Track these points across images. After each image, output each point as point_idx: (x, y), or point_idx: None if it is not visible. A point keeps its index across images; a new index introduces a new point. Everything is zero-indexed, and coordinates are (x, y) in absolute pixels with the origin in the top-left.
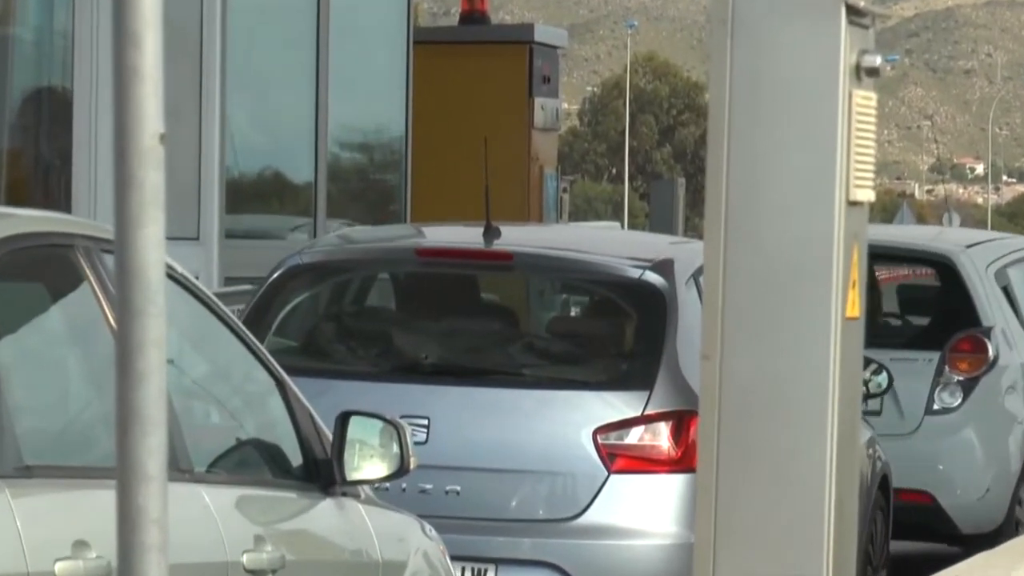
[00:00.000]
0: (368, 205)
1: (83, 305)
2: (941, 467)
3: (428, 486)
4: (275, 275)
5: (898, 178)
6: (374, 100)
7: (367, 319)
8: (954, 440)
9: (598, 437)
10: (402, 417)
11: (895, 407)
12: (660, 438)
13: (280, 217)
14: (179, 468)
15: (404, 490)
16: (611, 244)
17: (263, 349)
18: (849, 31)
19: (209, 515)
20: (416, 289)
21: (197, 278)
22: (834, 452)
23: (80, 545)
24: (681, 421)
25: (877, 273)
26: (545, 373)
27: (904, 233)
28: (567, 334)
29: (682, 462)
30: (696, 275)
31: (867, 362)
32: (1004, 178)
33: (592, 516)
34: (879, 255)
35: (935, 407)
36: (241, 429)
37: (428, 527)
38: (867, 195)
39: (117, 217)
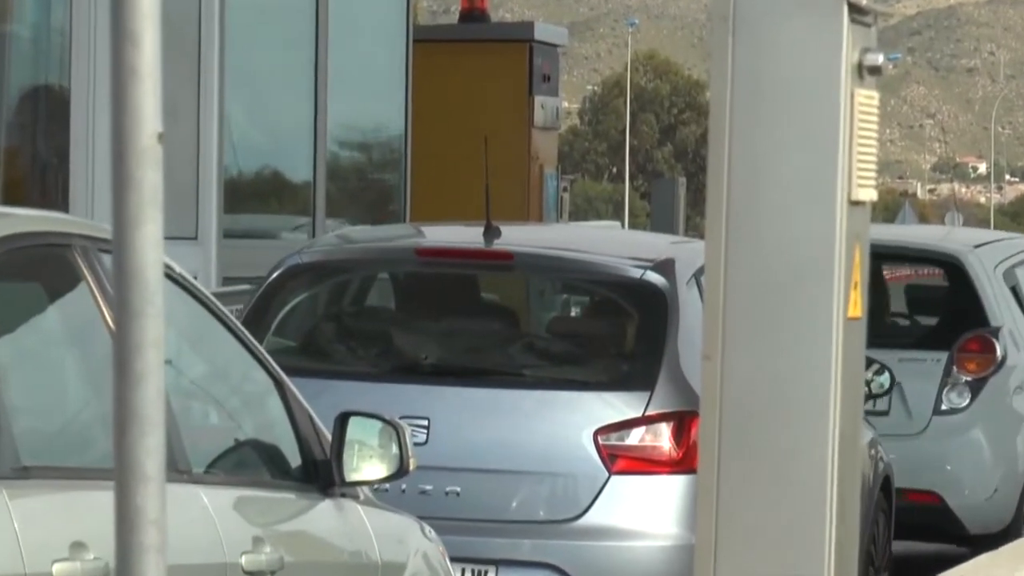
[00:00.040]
0: (367, 205)
1: (81, 305)
2: (949, 467)
3: (428, 487)
4: (274, 275)
5: (900, 177)
6: (373, 99)
7: (367, 319)
8: (962, 440)
9: (599, 438)
10: (402, 418)
11: (903, 407)
12: (661, 439)
13: (279, 217)
14: (177, 469)
15: (404, 491)
16: (612, 244)
17: (261, 349)
18: (851, 29)
19: (207, 516)
20: (416, 289)
21: (195, 278)
22: (836, 453)
23: (78, 546)
24: (682, 422)
25: (884, 272)
26: (546, 373)
27: (912, 233)
28: (568, 334)
29: (683, 463)
30: (697, 275)
31: (869, 362)
32: (1007, 177)
33: (593, 517)
34: (887, 255)
35: (943, 407)
36: (239, 430)
37: (428, 528)
38: (869, 195)
39: (115, 216)
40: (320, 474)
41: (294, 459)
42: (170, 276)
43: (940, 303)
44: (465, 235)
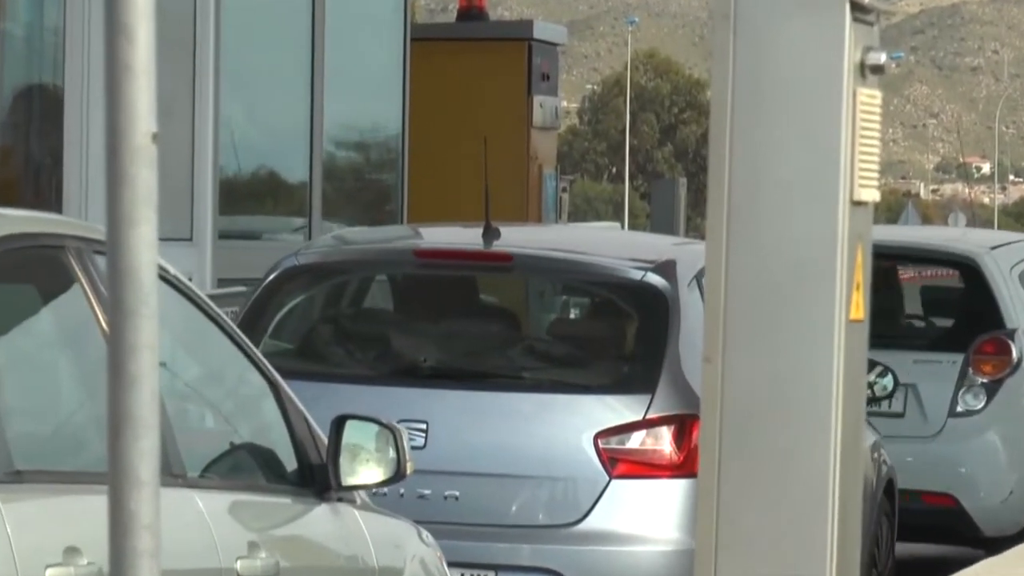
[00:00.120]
0: (364, 205)
1: (74, 307)
2: (964, 470)
3: (427, 491)
4: (271, 277)
5: (903, 177)
6: (370, 98)
7: (364, 321)
8: (978, 442)
9: (599, 441)
10: (400, 421)
11: (918, 409)
12: (662, 442)
13: (275, 218)
14: (172, 473)
15: (402, 495)
16: (612, 245)
17: (257, 352)
18: (853, 28)
19: (202, 521)
20: (414, 291)
21: (190, 280)
22: (838, 456)
23: (72, 551)
24: (683, 425)
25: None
26: (545, 376)
27: (928, 234)
28: (568, 336)
29: (684, 467)
30: (699, 277)
31: (872, 364)
32: (1011, 177)
33: (593, 522)
34: (903, 256)
35: (959, 409)
36: (235, 433)
37: (425, 533)
38: (872, 195)
39: (109, 216)
40: (316, 478)
41: (290, 463)
42: (164, 278)
43: (956, 305)
44: (464, 236)
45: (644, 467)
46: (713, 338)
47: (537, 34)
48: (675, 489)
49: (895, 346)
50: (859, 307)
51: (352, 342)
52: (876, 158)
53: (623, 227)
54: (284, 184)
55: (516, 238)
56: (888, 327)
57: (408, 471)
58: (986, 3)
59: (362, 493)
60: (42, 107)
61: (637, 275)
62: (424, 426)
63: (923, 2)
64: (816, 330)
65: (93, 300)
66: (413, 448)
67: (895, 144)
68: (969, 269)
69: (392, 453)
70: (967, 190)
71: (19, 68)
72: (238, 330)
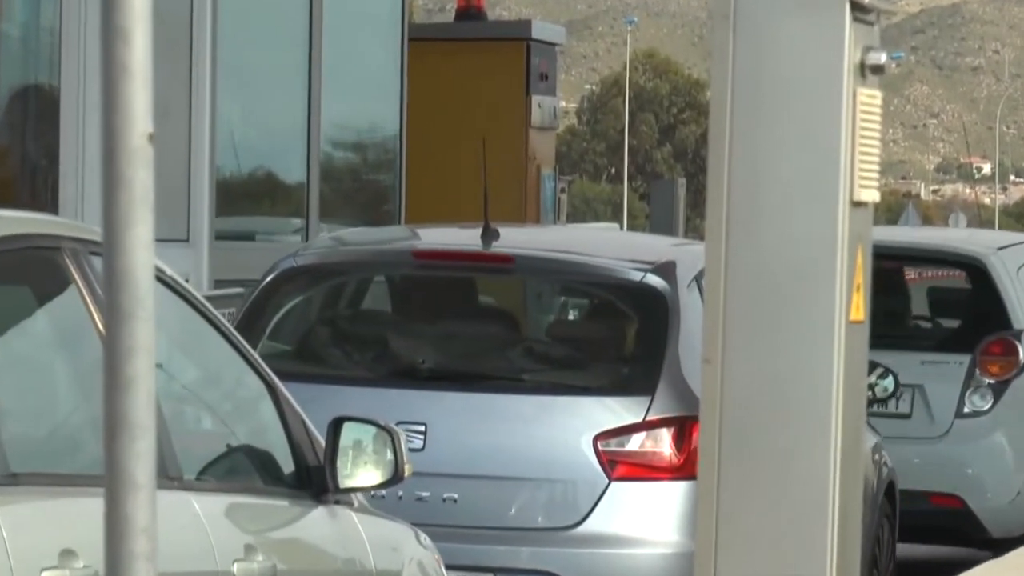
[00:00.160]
0: (362, 206)
1: (70, 309)
2: (971, 471)
3: (425, 494)
4: (268, 278)
5: (903, 178)
6: (368, 98)
7: (363, 323)
8: (985, 443)
9: (598, 444)
10: (399, 423)
11: (925, 410)
12: (662, 445)
13: (272, 219)
14: (168, 475)
15: (401, 498)
16: (612, 246)
17: (254, 353)
18: (853, 28)
19: (199, 523)
20: (413, 292)
21: (187, 281)
22: (838, 458)
23: (67, 554)
24: (683, 427)
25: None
26: (545, 378)
27: (935, 235)
28: (567, 338)
29: (684, 469)
30: (699, 278)
31: (873, 366)
32: (1012, 178)
33: (592, 524)
34: (909, 256)
35: (966, 410)
36: (232, 435)
37: (423, 536)
38: (872, 195)
39: (105, 217)
40: (313, 480)
41: (287, 465)
42: (161, 279)
43: (963, 305)
44: (462, 237)
45: (644, 469)
46: (713, 339)
47: (535, 34)
48: (675, 491)
49: (902, 347)
50: (859, 308)
51: (350, 344)
52: (876, 158)
53: (622, 228)
54: (281, 185)
55: (515, 239)
56: (895, 328)
57: (406, 473)
58: (987, 2)
59: (360, 495)
60: (38, 108)
61: (636, 276)
62: (423, 428)
63: (923, 2)
64: (816, 331)
65: (89, 302)
66: (411, 450)
67: (895, 144)
68: (976, 270)
69: (390, 455)
70: (970, 191)
71: (15, 69)
72: (235, 332)
